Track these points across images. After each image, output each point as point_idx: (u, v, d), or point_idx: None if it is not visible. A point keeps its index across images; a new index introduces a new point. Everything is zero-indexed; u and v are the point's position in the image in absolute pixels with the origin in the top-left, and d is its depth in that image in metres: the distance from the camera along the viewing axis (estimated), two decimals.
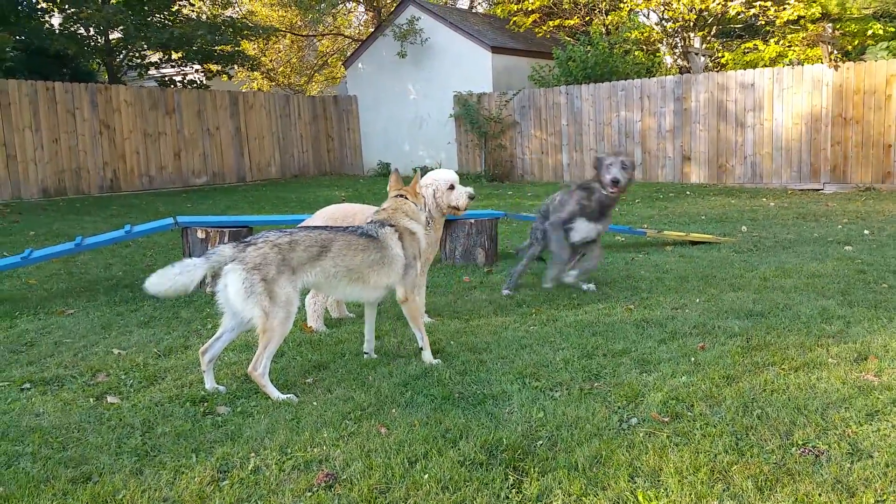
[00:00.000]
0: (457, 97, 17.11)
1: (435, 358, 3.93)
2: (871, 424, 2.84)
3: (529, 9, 18.57)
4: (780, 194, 12.29)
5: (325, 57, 28.08)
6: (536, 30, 18.94)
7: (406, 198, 4.11)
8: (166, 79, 20.52)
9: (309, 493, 2.48)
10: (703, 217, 9.97)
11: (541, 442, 2.80)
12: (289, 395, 3.42)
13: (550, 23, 18.83)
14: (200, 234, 5.94)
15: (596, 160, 5.42)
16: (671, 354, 3.82)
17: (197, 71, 20.49)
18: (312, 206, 10.86)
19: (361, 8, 26.63)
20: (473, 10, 26.05)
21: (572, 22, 19.01)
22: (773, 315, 4.55)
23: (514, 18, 19.00)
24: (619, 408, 3.12)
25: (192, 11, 19.22)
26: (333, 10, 22.43)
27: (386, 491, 2.47)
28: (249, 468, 2.67)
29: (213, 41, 17.47)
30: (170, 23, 17.38)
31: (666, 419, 2.96)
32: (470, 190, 4.79)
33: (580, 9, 19.18)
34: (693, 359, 3.73)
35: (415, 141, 18.79)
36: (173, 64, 19.01)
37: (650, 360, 3.74)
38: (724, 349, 3.86)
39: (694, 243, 7.66)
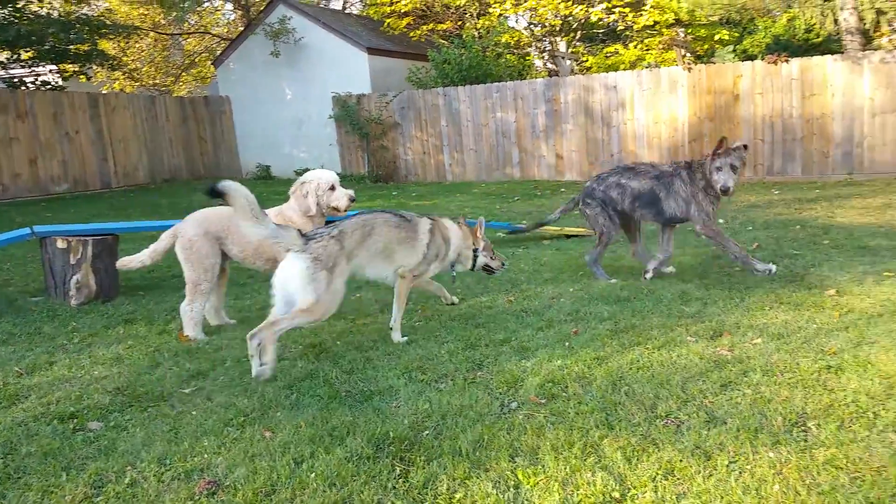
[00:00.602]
0: (336, 98, 16.95)
1: (321, 359, 3.91)
2: (725, 394, 3.13)
3: (402, 11, 18.72)
4: None
5: (193, 56, 26.92)
6: (411, 33, 19.12)
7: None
8: (16, 80, 18.91)
9: (190, 502, 2.41)
10: (576, 212, 10.45)
11: (427, 432, 2.87)
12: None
13: (424, 27, 19.08)
14: (61, 244, 5.54)
15: (708, 157, 5.24)
16: (548, 341, 4.02)
17: (51, 71, 19.02)
18: (186, 210, 10.38)
19: (229, 6, 25.75)
20: (347, 12, 25.89)
21: (445, 26, 19.36)
22: (638, 299, 4.88)
23: (388, 21, 19.09)
24: (500, 394, 3.25)
25: (42, 7, 17.81)
26: (199, 9, 21.52)
27: (272, 493, 2.45)
28: (126, 482, 2.55)
29: (68, 40, 16.28)
30: (15, 19, 16.01)
31: (543, 401, 3.12)
32: (350, 192, 4.86)
33: (452, 13, 19.55)
34: (568, 343, 3.94)
35: (295, 142, 18.42)
36: (23, 64, 17.53)
37: (529, 347, 3.91)
38: (595, 333, 4.11)
39: (569, 237, 8.05)
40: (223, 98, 19.19)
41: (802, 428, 2.74)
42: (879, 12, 21.05)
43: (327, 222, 5.32)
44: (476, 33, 18.11)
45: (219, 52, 21.18)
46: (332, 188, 4.82)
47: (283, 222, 4.64)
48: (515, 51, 18.84)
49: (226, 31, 26.91)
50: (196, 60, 26.99)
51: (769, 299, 4.72)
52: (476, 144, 15.59)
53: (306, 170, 15.36)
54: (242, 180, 17.95)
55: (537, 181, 14.71)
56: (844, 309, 4.38)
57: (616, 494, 2.35)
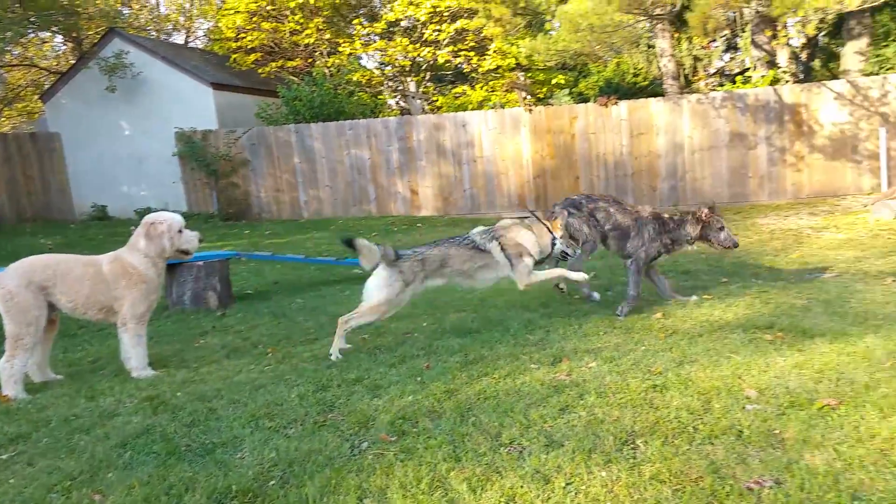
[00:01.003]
0: (179, 134, 16.22)
1: (158, 412, 3.68)
2: (563, 418, 3.30)
3: (249, 47, 18.41)
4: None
5: (18, 90, 24.74)
6: (259, 69, 18.82)
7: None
8: None
9: None
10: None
11: (273, 482, 2.77)
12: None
13: (273, 63, 18.86)
14: None
15: (706, 214, 5.61)
16: (400, 377, 4.04)
17: None
18: (12, 257, 9.43)
19: (59, 38, 24.02)
20: (190, 46, 25.03)
21: (295, 63, 19.26)
22: (487, 331, 5.05)
23: (235, 56, 18.69)
24: (350, 435, 3.22)
25: None
26: (22, 40, 19.87)
27: None
28: None
29: None
30: None
31: (394, 438, 3.13)
32: (198, 233, 4.76)
33: (302, 50, 19.50)
34: (419, 378, 3.99)
35: (135, 180, 17.35)
36: None
37: (381, 385, 3.91)
38: (446, 366, 4.19)
39: None
40: (53, 134, 17.75)
41: (632, 446, 2.95)
42: (696, 59, 23.66)
43: (169, 265, 5.08)
44: (327, 71, 18.16)
45: (47, 86, 19.62)
46: (180, 231, 4.67)
47: (120, 269, 4.43)
48: (368, 89, 19.08)
49: (55, 63, 25.01)
50: (21, 94, 24.82)
51: (604, 324, 5.06)
52: (331, 181, 15.52)
53: (149, 209, 14.51)
54: (76, 221, 16.61)
55: (394, 217, 14.87)
56: (669, 331, 4.79)
57: None
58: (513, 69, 18.14)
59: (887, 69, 12.66)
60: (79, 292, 4.41)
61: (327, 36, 18.74)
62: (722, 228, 5.68)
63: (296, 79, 18.21)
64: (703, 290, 6.04)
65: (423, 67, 18.60)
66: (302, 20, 18.22)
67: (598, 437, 3.02)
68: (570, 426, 3.18)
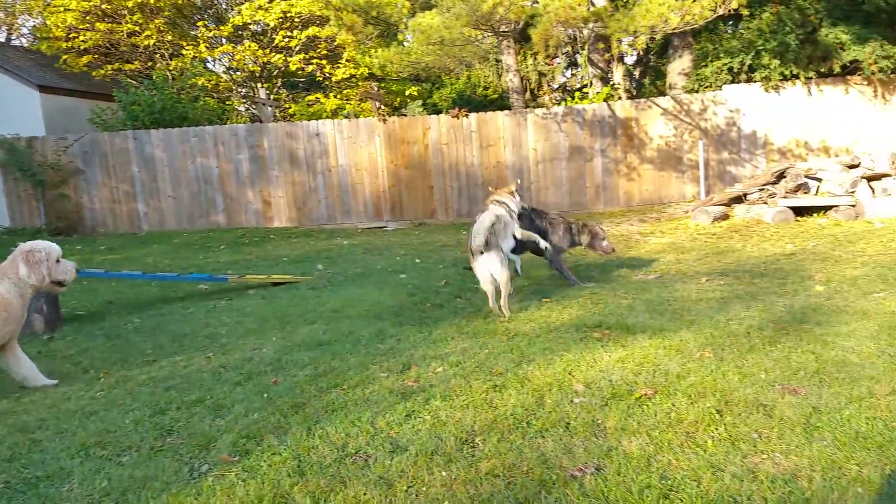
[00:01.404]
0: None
1: None
2: (408, 423, 3.39)
3: (82, 48, 17.11)
4: (351, 233, 13.65)
5: None
6: (94, 72, 17.54)
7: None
8: None
9: None
10: (285, 259, 10.49)
11: None
12: None
13: (109, 66, 17.64)
14: None
15: (591, 231, 7.18)
16: (245, 395, 3.96)
17: None
18: None
19: None
20: (12, 45, 22.84)
21: (134, 66, 18.13)
22: (338, 342, 5.06)
23: (65, 57, 17.28)
24: (190, 458, 3.11)
25: None
26: None
27: None
28: None
29: None
30: None
31: (236, 458, 3.07)
32: (75, 264, 4.62)
33: (141, 52, 18.41)
34: (266, 395, 3.93)
35: None
36: None
37: (225, 405, 3.81)
38: (294, 380, 4.16)
39: (275, 284, 8.03)
40: None
41: (471, 444, 3.10)
42: (541, 74, 25.00)
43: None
44: (169, 75, 17.26)
45: None
46: (58, 260, 4.46)
47: None
48: (215, 95, 18.35)
49: None
50: None
51: (452, 330, 5.25)
52: (175, 191, 14.75)
53: None
54: None
55: (245, 228, 14.41)
56: (512, 333, 5.06)
57: None
58: (367, 79, 18.23)
59: (706, 87, 14.08)
60: None
61: (169, 38, 17.83)
62: (604, 239, 7.20)
63: (134, 82, 17.13)
64: (544, 294, 6.42)
65: (275, 74, 18.21)
66: (141, 21, 17.21)
67: (441, 440, 3.14)
68: (416, 431, 3.28)
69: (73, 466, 3.09)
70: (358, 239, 12.71)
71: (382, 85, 18.26)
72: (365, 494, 2.68)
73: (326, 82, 18.77)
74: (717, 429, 3.12)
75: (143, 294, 8.09)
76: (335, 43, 16.92)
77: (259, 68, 17.52)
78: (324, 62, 17.50)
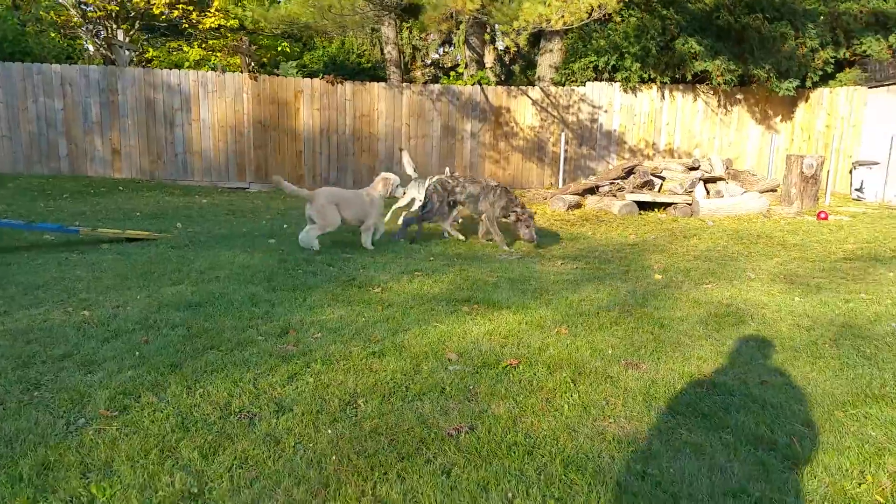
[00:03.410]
0: None
1: None
2: (291, 385, 3.50)
3: None
4: (210, 192, 13.12)
5: None
6: None
7: None
8: None
9: None
10: (138, 214, 9.93)
11: None
12: None
13: None
14: None
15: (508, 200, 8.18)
16: (116, 352, 3.85)
17: None
18: None
19: None
20: None
21: None
22: (210, 304, 4.99)
23: None
24: (64, 412, 3.03)
25: None
26: None
27: None
28: None
29: None
30: None
31: (115, 414, 3.03)
32: None
33: None
34: (138, 353, 3.85)
35: None
36: None
37: (95, 360, 3.69)
38: (167, 340, 4.09)
39: (130, 240, 7.63)
40: None
41: (354, 406, 3.27)
42: (415, 48, 25.08)
43: None
44: (12, 2, 15.49)
45: None
46: None
47: None
48: (64, 31, 16.72)
49: None
50: None
51: (328, 298, 5.34)
52: (11, 132, 13.36)
53: None
54: None
55: (91, 178, 13.38)
56: (387, 304, 5.25)
57: (195, 490, 2.48)
58: (236, 30, 17.39)
59: (572, 82, 14.92)
60: None
61: None
62: (531, 218, 8.13)
63: None
64: (417, 269, 6.65)
65: (133, 15, 16.89)
66: None
67: (325, 400, 3.28)
68: (299, 392, 3.40)
69: None
70: (219, 199, 12.25)
71: (253, 38, 17.48)
72: (254, 450, 2.78)
73: (191, 30, 17.68)
74: (571, 396, 3.52)
75: None
76: None
77: (117, 7, 16.16)
78: (191, 8, 16.47)
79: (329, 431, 2.97)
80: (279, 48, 18.92)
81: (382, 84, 14.59)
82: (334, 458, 2.76)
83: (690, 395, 3.57)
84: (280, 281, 5.92)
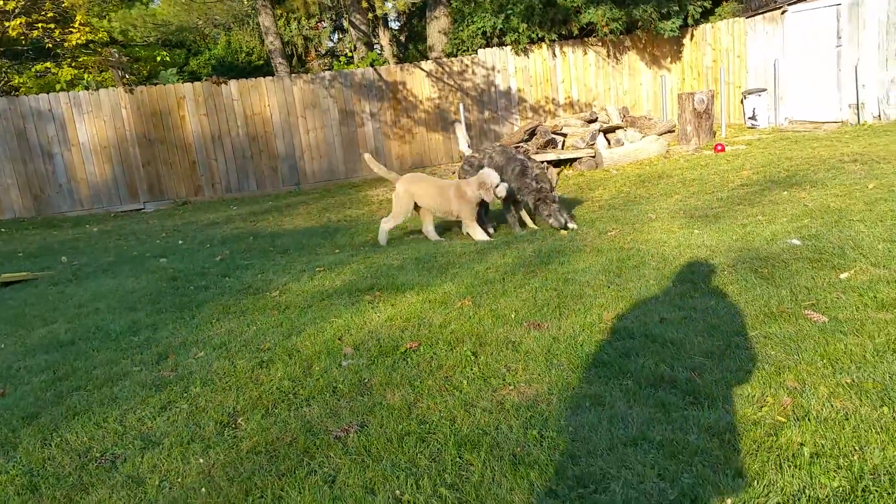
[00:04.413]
0: None
1: None
2: (163, 416, 3.16)
3: None
4: (103, 219, 12.32)
5: None
6: None
7: None
8: None
9: None
10: (20, 254, 9.19)
11: None
12: None
13: None
14: None
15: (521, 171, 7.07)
16: None
17: None
18: None
19: None
20: None
21: None
22: (84, 340, 4.55)
23: None
24: None
25: None
26: None
27: None
28: None
29: None
30: None
31: None
32: None
33: None
34: None
35: None
36: None
37: None
38: (27, 389, 3.67)
39: (7, 284, 7.00)
40: None
41: (233, 426, 2.97)
42: (307, 39, 24.33)
43: None
44: None
45: None
46: None
47: None
48: None
49: None
50: None
51: (218, 311, 4.98)
52: None
53: None
54: None
55: None
56: (283, 307, 4.93)
57: None
58: (106, 44, 16.38)
59: (463, 51, 14.69)
60: None
61: None
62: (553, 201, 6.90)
63: None
64: (319, 265, 6.33)
65: None
66: None
67: (199, 426, 2.97)
68: (171, 422, 3.07)
69: None
70: (111, 224, 11.52)
71: (128, 51, 16.49)
72: (111, 497, 2.46)
73: (58, 50, 16.53)
74: (471, 369, 3.32)
75: None
76: (63, 4, 14.93)
77: None
78: (52, 26, 15.34)
79: (201, 461, 2.67)
80: (158, 58, 17.96)
81: (270, 78, 14.00)
82: (203, 490, 2.46)
83: (590, 346, 3.43)
84: (167, 302, 5.49)
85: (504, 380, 3.16)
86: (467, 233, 7.01)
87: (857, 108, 11.80)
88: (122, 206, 13.24)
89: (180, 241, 8.85)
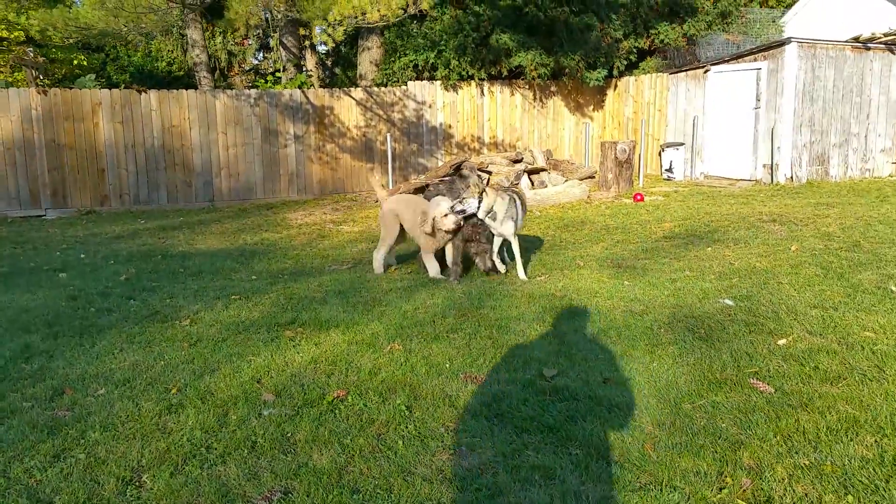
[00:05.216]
0: None
1: None
2: (56, 466, 2.78)
3: None
4: None
5: None
6: None
7: None
8: None
9: None
10: None
11: None
12: None
13: None
14: None
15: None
16: None
17: None
18: None
19: None
20: None
21: None
22: None
23: None
24: None
25: None
26: None
27: None
28: None
29: None
30: None
31: None
32: None
33: None
34: None
35: None
36: None
37: None
38: None
39: None
40: None
41: (137, 484, 2.64)
42: (231, 54, 23.64)
43: None
44: None
45: None
46: None
47: None
48: None
49: None
50: None
51: (122, 340, 4.55)
52: None
53: None
54: None
55: None
56: (194, 339, 4.55)
57: None
58: (21, 43, 15.30)
59: (394, 83, 14.60)
60: None
61: None
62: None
63: None
64: (235, 293, 5.95)
65: None
66: None
67: (98, 483, 2.62)
68: (65, 475, 2.70)
69: None
70: (6, 230, 10.60)
71: (43, 52, 15.43)
72: None
73: None
74: (407, 427, 3.11)
75: None
76: None
77: None
78: None
79: None
80: (75, 61, 16.92)
81: (193, 91, 13.42)
82: None
83: (534, 407, 3.29)
84: (65, 325, 4.99)
85: (443, 441, 2.97)
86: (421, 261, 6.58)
87: (772, 169, 12.49)
88: (20, 210, 12.23)
89: (82, 255, 8.19)
